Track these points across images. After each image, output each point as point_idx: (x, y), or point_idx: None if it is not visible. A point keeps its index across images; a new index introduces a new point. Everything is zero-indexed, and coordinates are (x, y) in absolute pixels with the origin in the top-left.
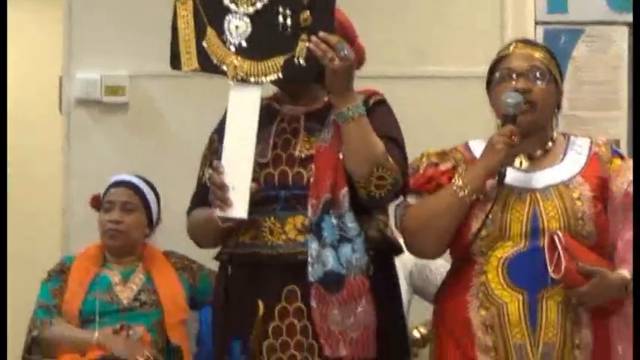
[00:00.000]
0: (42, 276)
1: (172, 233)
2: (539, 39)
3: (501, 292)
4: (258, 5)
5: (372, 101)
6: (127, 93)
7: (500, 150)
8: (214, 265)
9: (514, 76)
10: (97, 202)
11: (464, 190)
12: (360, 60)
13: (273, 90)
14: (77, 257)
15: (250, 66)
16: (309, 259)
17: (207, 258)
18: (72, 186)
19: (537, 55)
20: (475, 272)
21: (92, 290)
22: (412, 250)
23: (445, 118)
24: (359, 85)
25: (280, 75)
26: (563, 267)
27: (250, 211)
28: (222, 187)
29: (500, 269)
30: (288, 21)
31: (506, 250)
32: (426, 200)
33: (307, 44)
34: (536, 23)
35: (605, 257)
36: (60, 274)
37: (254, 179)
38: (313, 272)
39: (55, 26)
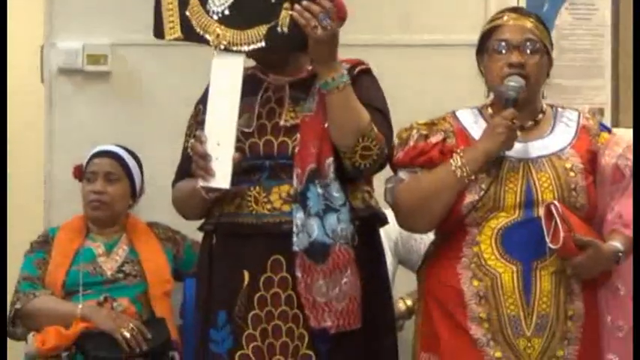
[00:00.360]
0: (24, 245)
1: (156, 203)
2: (522, 6)
3: (495, 263)
4: None
5: (356, 70)
6: (108, 62)
7: (501, 134)
8: (198, 236)
9: (507, 47)
10: (79, 173)
11: (463, 171)
12: (341, 16)
13: None
14: (61, 229)
15: (233, 35)
16: (295, 229)
17: (191, 229)
18: (54, 156)
19: (530, 25)
20: (466, 243)
21: (76, 262)
22: (405, 227)
23: (431, 86)
24: (344, 53)
25: (263, 44)
26: (561, 237)
27: (235, 181)
28: (205, 157)
29: (494, 240)
30: None
31: (500, 221)
32: (420, 178)
33: (290, 12)
34: None
35: (594, 229)
36: (43, 245)
37: (238, 149)
38: (298, 242)
39: None
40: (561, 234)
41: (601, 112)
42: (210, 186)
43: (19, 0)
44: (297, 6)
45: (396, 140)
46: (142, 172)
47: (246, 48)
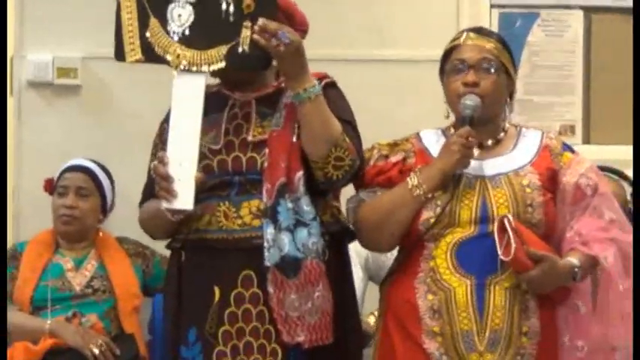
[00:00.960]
0: None
1: (125, 218)
2: (495, 23)
3: (449, 277)
4: None
5: (322, 84)
6: (79, 75)
7: (456, 152)
8: (168, 252)
9: (464, 67)
10: (50, 186)
11: (419, 189)
12: (303, 29)
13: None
14: (29, 243)
15: (193, 55)
16: (265, 244)
17: (160, 244)
18: (22, 169)
19: (488, 45)
20: (423, 257)
21: (44, 277)
22: (366, 245)
23: (402, 101)
24: (316, 67)
25: (224, 64)
26: (512, 249)
27: (204, 197)
28: (167, 179)
29: (448, 254)
30: (231, 8)
31: (455, 236)
32: (380, 197)
33: (251, 34)
34: (492, 7)
35: (552, 247)
36: (12, 260)
37: (206, 166)
38: (270, 256)
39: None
40: (512, 246)
41: (572, 129)
42: (174, 207)
43: None
44: (256, 28)
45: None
46: (113, 188)
47: (206, 68)
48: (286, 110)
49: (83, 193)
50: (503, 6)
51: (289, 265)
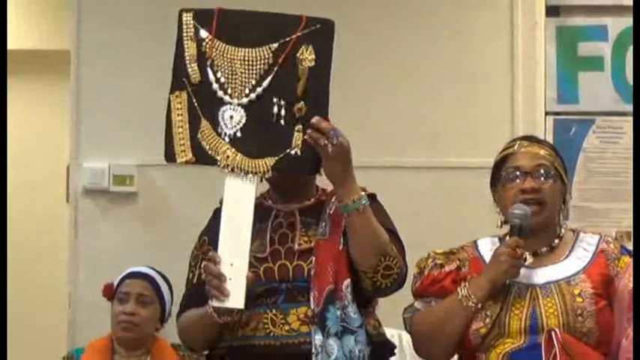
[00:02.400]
0: None
1: None
2: (550, 129)
3: None
4: (252, 96)
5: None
6: (135, 182)
7: (503, 262)
8: None
9: (520, 174)
10: (109, 292)
11: (469, 300)
12: None
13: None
14: (86, 350)
15: (242, 160)
16: (314, 350)
17: None
18: (78, 276)
19: (542, 152)
20: None
21: None
22: (421, 355)
23: (457, 208)
24: (370, 175)
25: (270, 174)
26: None
27: (251, 304)
28: (219, 277)
29: None
30: (282, 111)
31: (505, 347)
32: (433, 307)
33: (302, 137)
34: (547, 114)
35: (611, 355)
36: None
37: (253, 274)
38: None
39: (63, 114)
40: None
41: (629, 235)
42: (224, 306)
43: (46, 119)
44: (309, 130)
45: (415, 269)
46: (172, 296)
47: (252, 177)
48: (331, 220)
49: (144, 301)
50: (559, 113)
51: None
